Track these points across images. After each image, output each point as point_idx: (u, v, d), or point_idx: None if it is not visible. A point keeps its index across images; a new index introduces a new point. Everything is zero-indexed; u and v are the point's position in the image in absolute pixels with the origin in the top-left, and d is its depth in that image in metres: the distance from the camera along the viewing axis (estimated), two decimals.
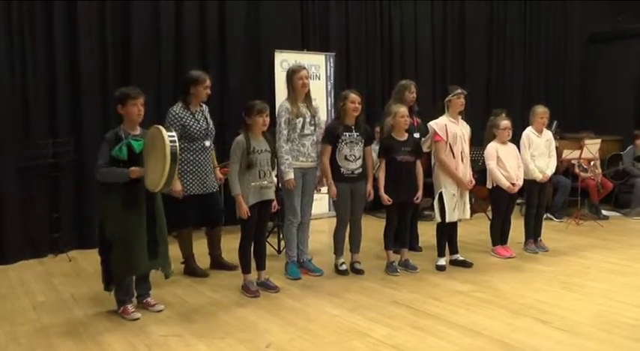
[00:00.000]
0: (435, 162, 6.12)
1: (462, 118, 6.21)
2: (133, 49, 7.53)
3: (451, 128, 6.02)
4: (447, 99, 6.11)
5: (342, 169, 5.77)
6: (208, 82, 5.86)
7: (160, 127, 4.47)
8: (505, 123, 6.50)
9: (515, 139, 6.67)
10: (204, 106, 5.97)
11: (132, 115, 4.71)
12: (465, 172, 6.08)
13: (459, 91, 6.06)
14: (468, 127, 6.24)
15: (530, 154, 6.65)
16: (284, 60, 8.42)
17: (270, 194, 5.34)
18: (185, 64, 7.67)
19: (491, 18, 11.23)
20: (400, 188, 5.85)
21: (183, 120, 5.71)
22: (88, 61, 7.16)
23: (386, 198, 5.80)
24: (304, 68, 5.92)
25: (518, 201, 7.29)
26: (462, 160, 6.05)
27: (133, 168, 4.56)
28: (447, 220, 6.02)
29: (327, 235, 7.25)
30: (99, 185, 4.76)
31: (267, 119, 5.23)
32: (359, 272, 5.96)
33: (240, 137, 5.20)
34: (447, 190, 6.00)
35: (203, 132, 5.81)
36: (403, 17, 10.17)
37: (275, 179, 5.51)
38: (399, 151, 5.84)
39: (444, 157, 6.00)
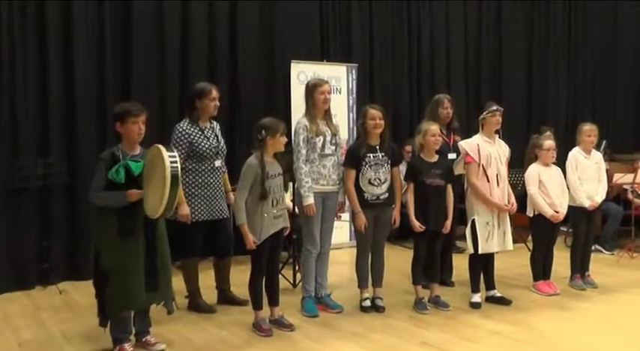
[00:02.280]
0: (467, 186, 6.09)
1: (500, 137, 6.19)
2: (134, 59, 7.64)
3: (485, 148, 5.99)
4: (481, 117, 6.09)
5: (365, 195, 5.76)
6: (215, 94, 5.90)
7: (160, 147, 4.49)
8: (549, 143, 6.47)
9: (560, 161, 6.63)
10: (214, 122, 6.02)
11: (131, 135, 4.73)
12: (502, 197, 6.04)
13: (494, 108, 6.04)
14: (507, 147, 6.22)
15: (577, 178, 6.61)
16: (301, 72, 8.50)
17: (283, 222, 5.34)
18: (192, 76, 7.75)
19: (531, 22, 11.24)
20: (428, 215, 5.84)
21: (191, 137, 5.74)
22: (83, 72, 7.22)
23: (417, 225, 5.79)
24: (326, 82, 5.95)
25: (563, 228, 7.21)
26: (498, 184, 6.01)
27: (131, 190, 4.57)
28: (480, 252, 5.98)
29: (348, 266, 7.24)
30: (94, 211, 4.78)
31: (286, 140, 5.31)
32: (379, 309, 5.93)
33: (254, 160, 5.19)
34: (480, 218, 5.97)
35: (213, 151, 5.84)
36: (433, 24, 10.23)
37: (290, 203, 5.49)
38: (427, 173, 5.84)
39: (476, 181, 5.97)
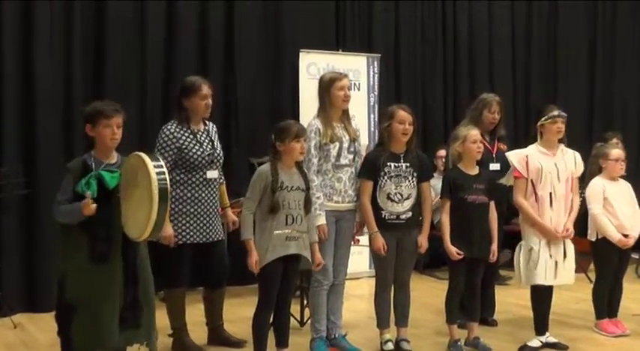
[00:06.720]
0: None
1: (566, 146, 6.10)
2: (108, 52, 7.71)
3: (536, 161, 5.92)
4: (539, 123, 6.04)
5: (383, 213, 5.74)
6: (206, 90, 5.88)
7: (142, 155, 4.48)
8: (617, 152, 6.47)
9: (630, 175, 6.61)
10: (210, 124, 6.05)
11: (104, 140, 4.74)
12: (558, 220, 5.95)
13: (555, 113, 5.97)
14: (577, 159, 6.06)
15: None
16: (312, 63, 8.55)
17: (299, 247, 5.27)
18: (178, 69, 7.84)
19: (594, 21, 11.29)
20: (471, 240, 5.82)
21: (180, 142, 5.75)
22: (46, 68, 7.28)
23: (454, 251, 5.77)
24: (345, 76, 5.95)
25: (634, 255, 7.19)
26: (551, 205, 5.95)
27: (86, 201, 4.49)
28: (524, 283, 5.95)
29: (367, 301, 7.23)
30: (60, 229, 4.79)
31: (306, 146, 5.27)
32: None
33: (266, 167, 5.21)
34: (526, 242, 5.93)
35: (207, 159, 5.85)
36: (472, 6, 10.24)
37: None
38: (469, 188, 5.83)
39: (521, 200, 5.92)
